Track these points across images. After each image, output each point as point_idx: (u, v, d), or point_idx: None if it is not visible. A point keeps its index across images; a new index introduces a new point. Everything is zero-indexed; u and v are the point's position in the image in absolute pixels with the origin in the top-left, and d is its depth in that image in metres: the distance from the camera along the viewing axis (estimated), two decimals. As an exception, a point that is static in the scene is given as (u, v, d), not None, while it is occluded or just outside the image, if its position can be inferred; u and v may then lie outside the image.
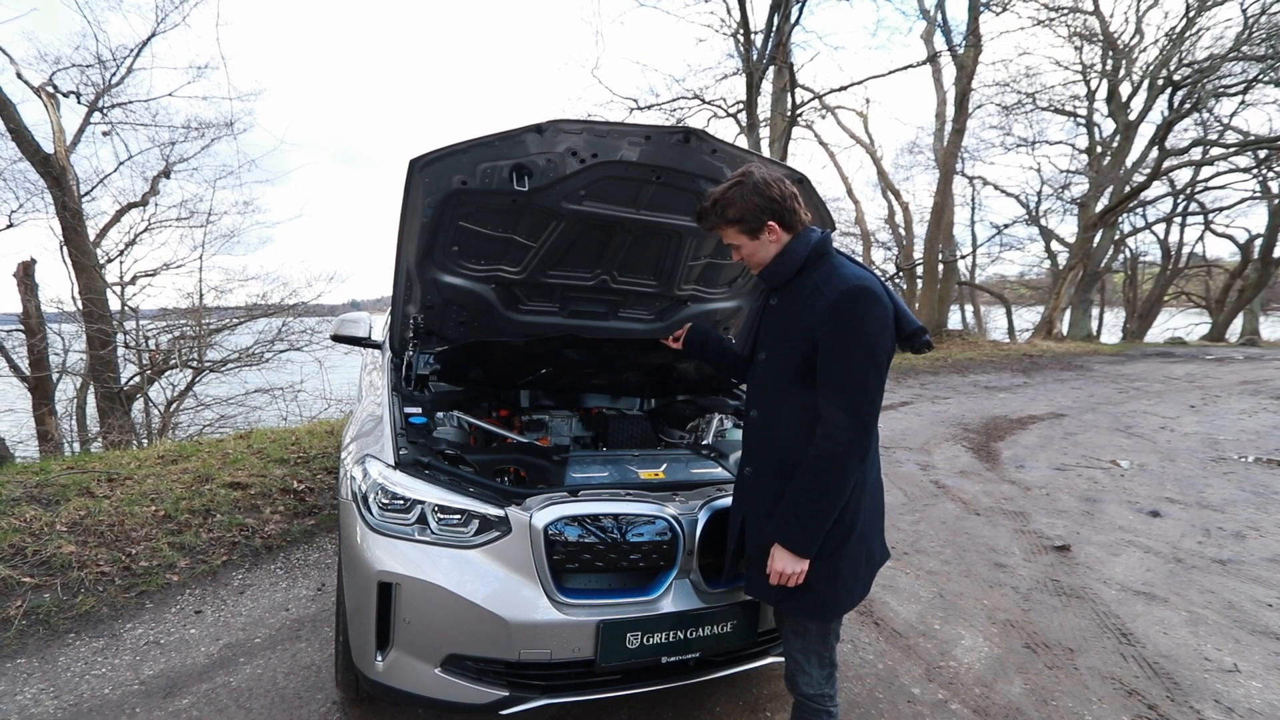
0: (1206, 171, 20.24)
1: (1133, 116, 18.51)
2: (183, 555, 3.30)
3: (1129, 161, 18.93)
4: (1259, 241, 21.68)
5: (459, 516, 1.81)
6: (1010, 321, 23.83)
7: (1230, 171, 20.07)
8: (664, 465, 2.23)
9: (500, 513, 1.80)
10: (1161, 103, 17.36)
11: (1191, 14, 16.23)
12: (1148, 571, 3.66)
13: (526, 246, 2.43)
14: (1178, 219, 23.60)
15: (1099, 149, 20.70)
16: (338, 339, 3.12)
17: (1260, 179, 20.52)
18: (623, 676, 1.87)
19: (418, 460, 1.89)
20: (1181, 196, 22.13)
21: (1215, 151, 18.68)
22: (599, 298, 2.79)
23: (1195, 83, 16.04)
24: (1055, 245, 23.23)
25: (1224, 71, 15.93)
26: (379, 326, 3.63)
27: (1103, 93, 19.59)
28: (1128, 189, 18.26)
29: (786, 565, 1.56)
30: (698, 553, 1.90)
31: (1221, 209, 22.71)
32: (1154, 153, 18.14)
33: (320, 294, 11.51)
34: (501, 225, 2.32)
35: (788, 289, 1.66)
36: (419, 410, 2.32)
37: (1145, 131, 18.61)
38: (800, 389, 1.59)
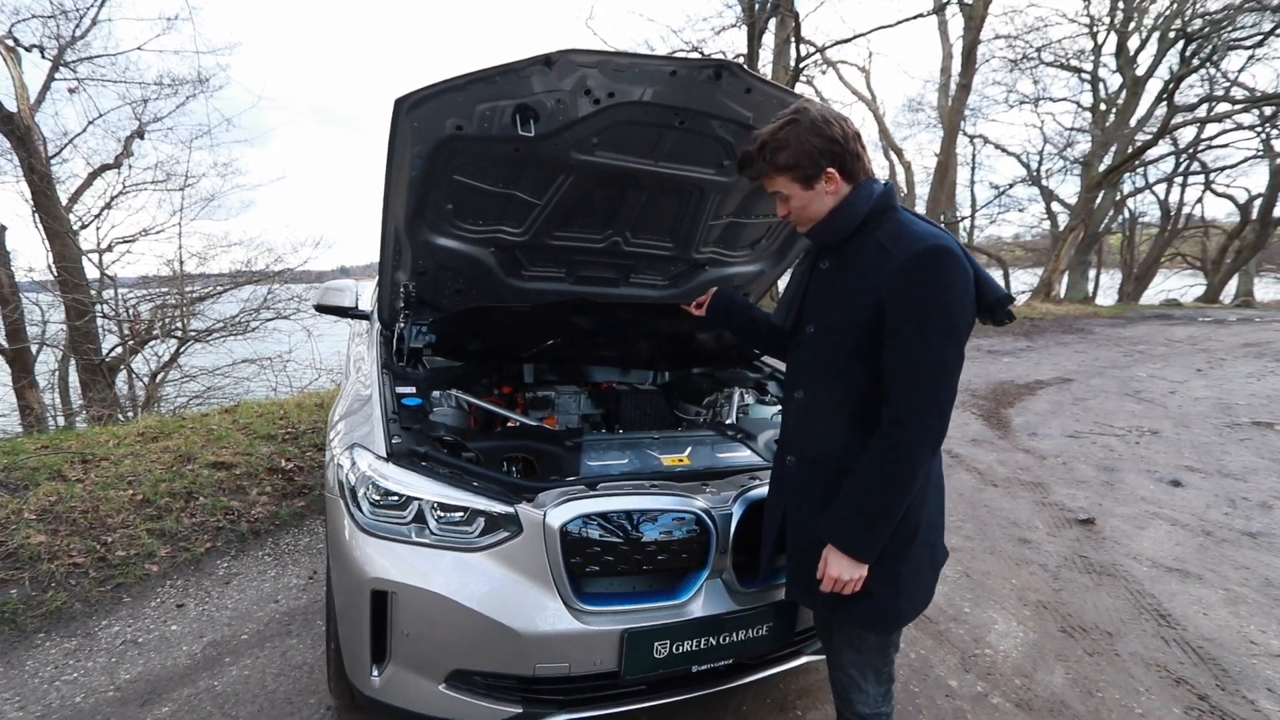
0: (1210, 130, 19.78)
1: (1140, 71, 17.98)
2: (162, 543, 3.08)
3: (1134, 119, 18.46)
4: (1259, 202, 21.38)
5: (462, 514, 1.58)
6: (1007, 283, 23.60)
7: (1234, 130, 19.63)
8: (688, 449, 2.00)
9: (509, 510, 1.58)
10: (1171, 58, 16.86)
11: (1207, -39, 15.59)
12: (1177, 546, 3.52)
13: (530, 204, 2.15)
14: (1179, 179, 23.21)
15: (1104, 106, 20.17)
16: (321, 309, 2.86)
17: (1264, 137, 20.12)
18: (648, 687, 1.68)
19: (413, 450, 1.66)
20: (1184, 155, 21.71)
21: (1222, 108, 18.19)
22: (609, 262, 2.53)
23: (1208, 34, 15.48)
24: (1055, 206, 22.89)
25: (1239, 23, 15.35)
26: (367, 295, 3.36)
27: (1110, 47, 18.98)
28: (1131, 148, 17.83)
29: (843, 571, 1.35)
30: (731, 549, 1.70)
31: (1223, 169, 22.33)
32: (1159, 110, 17.69)
33: (307, 260, 11.10)
34: (502, 179, 2.04)
35: (843, 250, 1.41)
36: (413, 389, 2.08)
37: (1151, 88, 18.14)
38: (858, 366, 1.36)
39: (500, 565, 1.56)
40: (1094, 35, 19.32)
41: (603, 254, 2.47)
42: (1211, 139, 20.36)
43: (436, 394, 2.26)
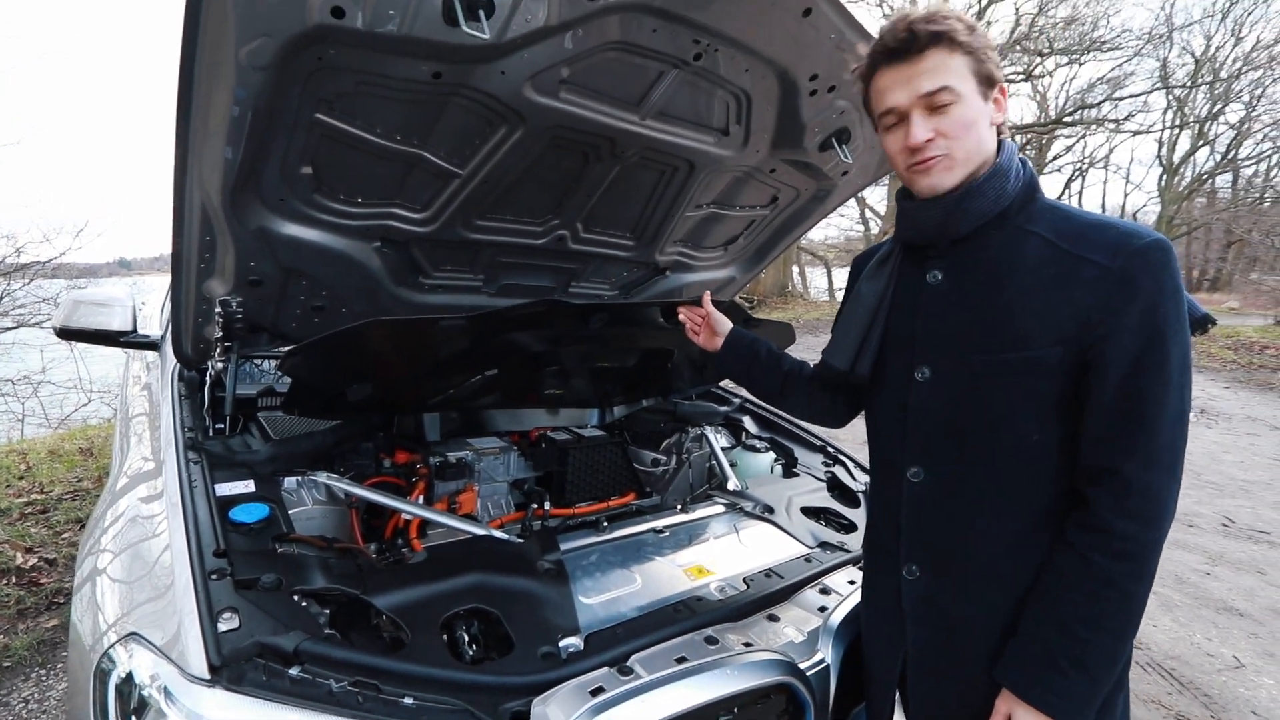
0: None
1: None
2: None
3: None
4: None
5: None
6: (830, 281, 25.72)
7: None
8: (704, 543, 1.36)
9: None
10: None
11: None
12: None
13: (445, 173, 1.36)
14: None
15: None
16: (67, 335, 1.78)
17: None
18: None
19: (268, 648, 0.83)
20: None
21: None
22: (546, 265, 1.80)
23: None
24: (868, 213, 25.40)
25: (1010, 60, 18.25)
26: (154, 308, 2.29)
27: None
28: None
29: None
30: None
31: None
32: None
33: (65, 251, 8.68)
34: (403, 128, 1.24)
35: (967, 250, 0.95)
36: (248, 485, 1.21)
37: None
38: (1037, 433, 0.89)
39: None
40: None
41: (539, 253, 1.73)
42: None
43: (292, 482, 1.36)
